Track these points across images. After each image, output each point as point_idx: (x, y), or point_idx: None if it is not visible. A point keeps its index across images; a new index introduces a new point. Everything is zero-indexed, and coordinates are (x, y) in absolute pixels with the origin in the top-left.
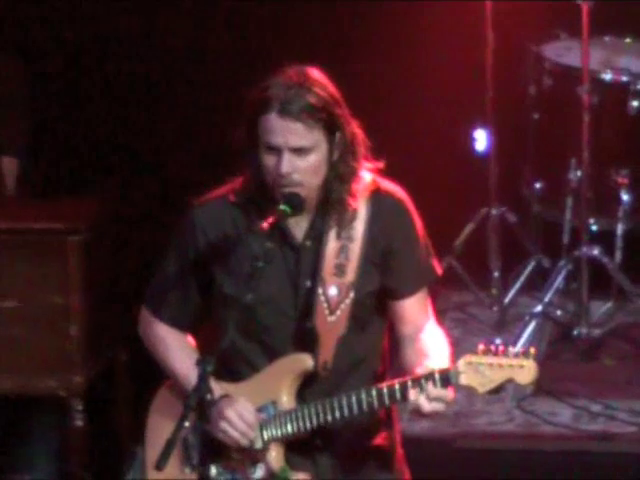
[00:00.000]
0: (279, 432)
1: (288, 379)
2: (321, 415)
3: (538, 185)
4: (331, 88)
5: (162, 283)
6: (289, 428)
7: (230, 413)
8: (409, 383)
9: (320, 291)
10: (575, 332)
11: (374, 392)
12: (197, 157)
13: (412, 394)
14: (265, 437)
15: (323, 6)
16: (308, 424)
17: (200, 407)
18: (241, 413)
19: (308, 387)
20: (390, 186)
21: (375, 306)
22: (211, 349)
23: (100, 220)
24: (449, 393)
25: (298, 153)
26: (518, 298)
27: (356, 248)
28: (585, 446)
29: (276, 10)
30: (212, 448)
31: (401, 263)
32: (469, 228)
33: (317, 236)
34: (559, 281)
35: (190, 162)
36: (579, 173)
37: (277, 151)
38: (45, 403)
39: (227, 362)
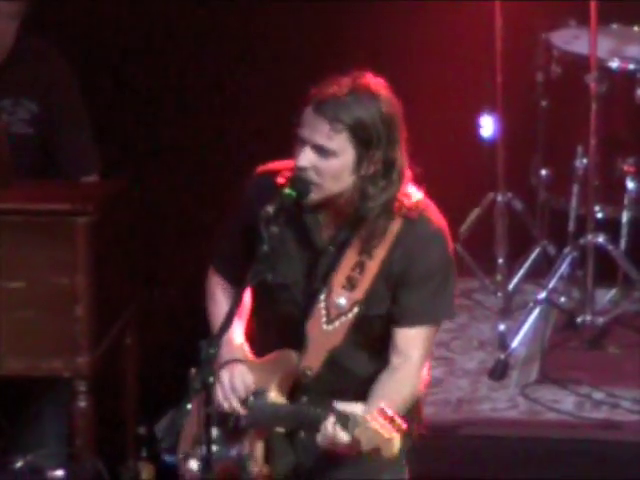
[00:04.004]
0: (259, 421)
1: (279, 373)
2: (287, 420)
3: (544, 172)
4: (385, 106)
5: (222, 239)
6: (266, 421)
7: (224, 375)
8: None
9: (322, 297)
10: (579, 319)
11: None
12: (207, 140)
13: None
14: (249, 420)
15: None
16: (281, 424)
17: (204, 390)
18: (232, 379)
19: (300, 389)
20: (433, 214)
21: (387, 333)
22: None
23: (108, 202)
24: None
25: (320, 152)
26: (523, 285)
27: (373, 267)
28: (588, 434)
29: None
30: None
31: (409, 294)
32: (475, 214)
33: (341, 244)
34: (564, 268)
35: (199, 144)
36: (586, 161)
37: (303, 144)
38: (55, 384)
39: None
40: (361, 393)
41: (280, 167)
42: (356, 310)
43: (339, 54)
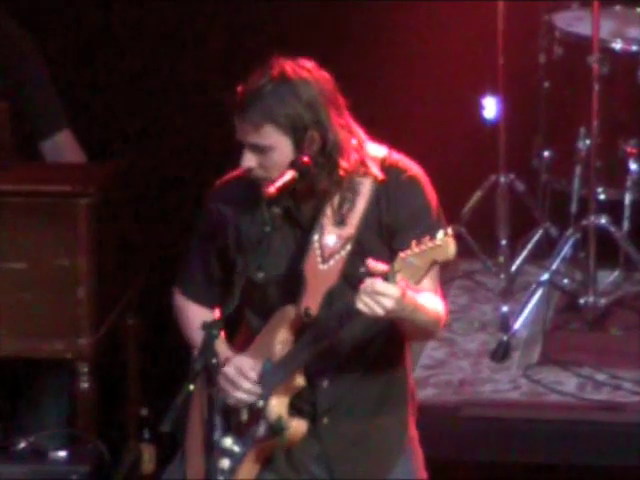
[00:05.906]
0: (276, 380)
1: (280, 331)
2: (307, 342)
3: (547, 154)
4: (303, 90)
5: (187, 260)
6: (283, 372)
7: (229, 371)
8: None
9: (316, 238)
10: (582, 301)
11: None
12: (208, 127)
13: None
14: (265, 393)
15: None
16: (300, 359)
17: (206, 371)
18: (240, 368)
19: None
20: (403, 162)
21: None
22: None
23: (110, 183)
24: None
25: (258, 150)
26: (525, 266)
27: (361, 205)
28: (590, 415)
29: None
30: (227, 419)
31: (404, 235)
32: (477, 196)
33: (317, 217)
34: (566, 250)
35: (199, 132)
36: (588, 142)
37: (243, 146)
38: (57, 366)
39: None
40: (362, 336)
41: (238, 174)
42: (349, 247)
43: (343, 37)
